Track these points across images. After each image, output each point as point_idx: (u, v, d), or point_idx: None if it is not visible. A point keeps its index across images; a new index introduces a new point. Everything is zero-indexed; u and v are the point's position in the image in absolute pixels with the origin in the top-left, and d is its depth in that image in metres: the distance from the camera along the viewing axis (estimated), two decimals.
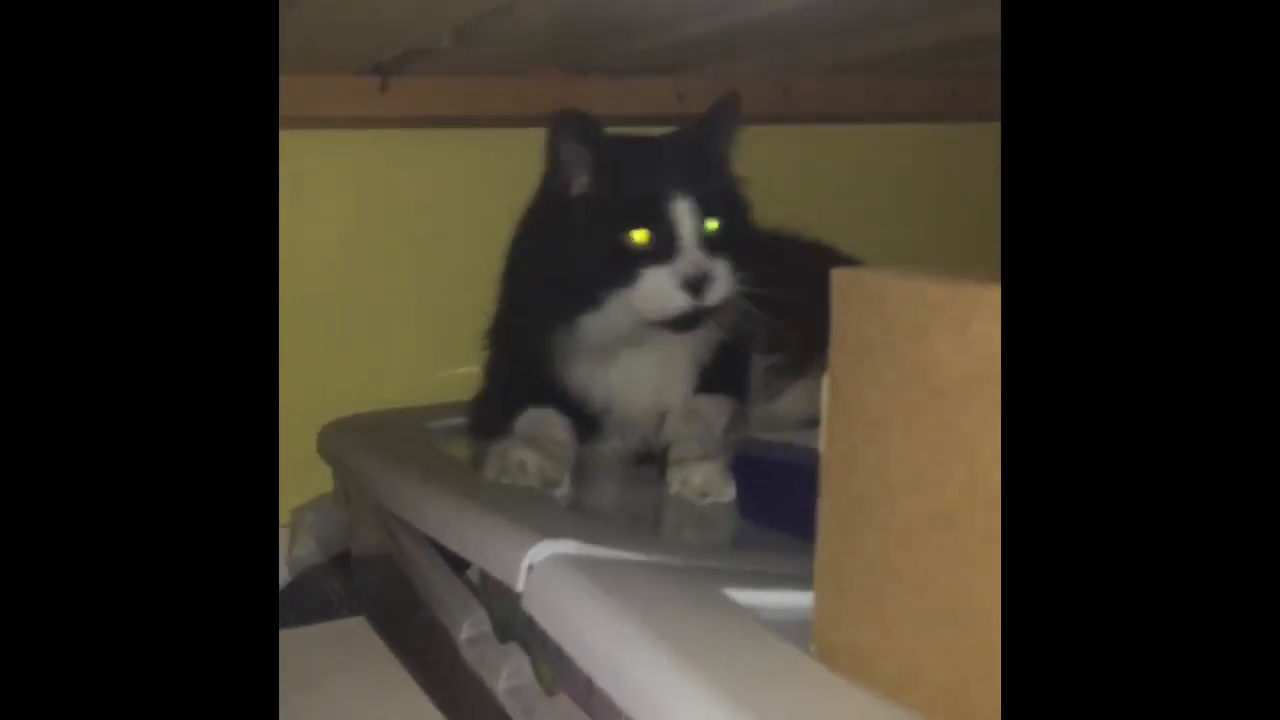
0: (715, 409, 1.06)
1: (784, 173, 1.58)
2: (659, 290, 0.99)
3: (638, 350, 1.06)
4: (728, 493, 0.96)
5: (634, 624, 0.65)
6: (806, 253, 1.27)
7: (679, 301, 0.99)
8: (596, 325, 1.02)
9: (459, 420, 1.18)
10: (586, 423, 1.07)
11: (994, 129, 1.70)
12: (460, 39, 1.10)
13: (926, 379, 0.57)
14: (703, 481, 0.97)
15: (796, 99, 1.46)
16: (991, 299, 0.53)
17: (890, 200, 1.67)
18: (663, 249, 0.99)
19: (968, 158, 1.68)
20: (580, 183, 1.03)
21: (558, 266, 1.03)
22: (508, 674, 0.77)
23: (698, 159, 1.05)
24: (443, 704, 0.78)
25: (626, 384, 1.07)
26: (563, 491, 0.98)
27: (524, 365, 1.08)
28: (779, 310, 1.05)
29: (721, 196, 1.04)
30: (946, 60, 1.38)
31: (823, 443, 0.64)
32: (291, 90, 1.20)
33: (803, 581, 0.70)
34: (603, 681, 0.65)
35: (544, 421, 1.06)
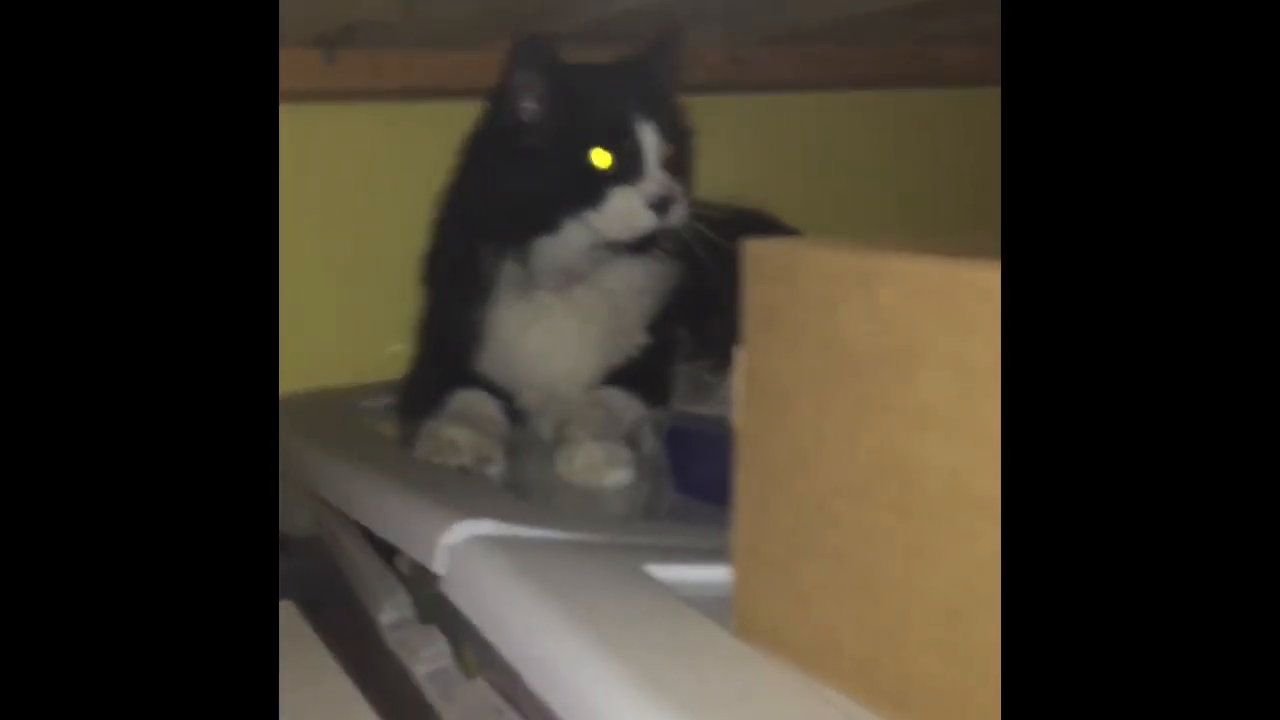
0: (623, 402, 1.05)
1: (734, 143, 1.57)
2: (627, 209, 0.99)
3: (556, 316, 1.06)
4: (612, 476, 0.94)
5: (550, 606, 0.63)
6: (748, 223, 1.26)
7: (646, 220, 0.99)
8: (551, 249, 1.01)
9: (391, 400, 1.17)
10: (510, 402, 1.07)
11: (944, 95, 1.72)
12: (408, 11, 1.08)
13: (835, 350, 0.56)
14: (585, 462, 0.95)
15: (746, 68, 1.45)
16: (898, 268, 0.52)
17: (843, 169, 1.67)
18: (626, 170, 1.00)
19: (919, 125, 1.68)
20: (531, 109, 1.01)
21: (507, 193, 1.02)
22: (428, 657, 0.75)
23: (652, 84, 1.06)
24: (366, 688, 0.76)
25: (547, 343, 1.06)
26: (496, 469, 0.97)
27: (454, 326, 1.07)
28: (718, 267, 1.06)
29: (675, 125, 1.06)
30: (895, 24, 1.37)
31: (736, 415, 0.63)
32: None
33: (726, 555, 0.69)
34: (519, 666, 0.63)
35: (475, 401, 1.05)
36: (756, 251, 0.61)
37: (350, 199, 1.37)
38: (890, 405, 0.53)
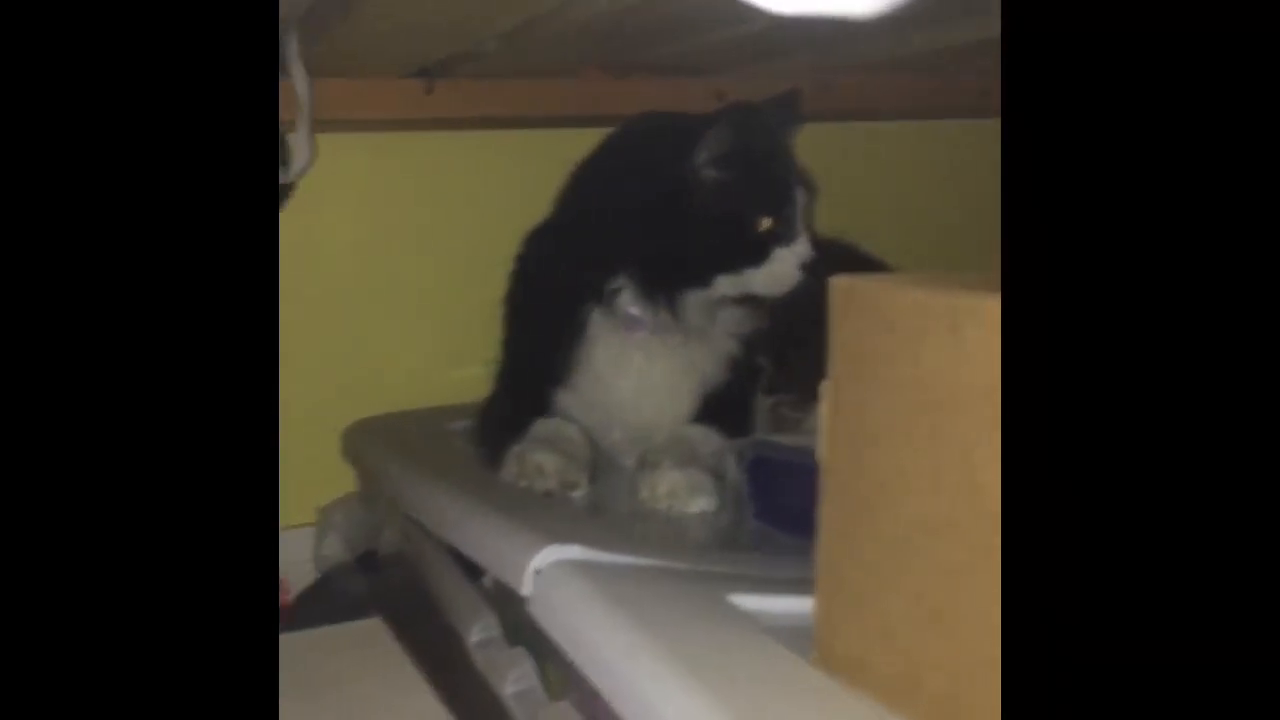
0: (702, 436, 1.06)
1: (822, 169, 1.58)
2: (784, 271, 1.03)
3: (652, 358, 1.07)
4: (695, 502, 0.95)
5: (635, 632, 0.65)
6: (832, 255, 1.27)
7: (795, 279, 1.03)
8: (695, 300, 1.04)
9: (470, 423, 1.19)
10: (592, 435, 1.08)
11: None
12: (507, 42, 1.11)
13: (923, 388, 0.56)
14: (669, 488, 0.96)
15: (835, 95, 1.46)
16: (987, 307, 0.53)
17: (925, 198, 1.66)
18: (784, 232, 1.03)
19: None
20: (713, 174, 1.03)
21: (663, 244, 1.03)
22: (514, 678, 0.77)
23: (790, 144, 1.09)
24: (453, 706, 0.78)
25: (640, 386, 1.07)
26: (581, 493, 0.99)
27: (541, 359, 1.08)
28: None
29: (808, 182, 1.09)
30: (981, 58, 1.37)
31: (822, 450, 0.64)
32: (339, 94, 1.22)
33: (808, 586, 0.70)
34: (603, 688, 0.65)
35: (560, 427, 1.06)
36: (843, 288, 0.62)
37: (452, 224, 1.41)
38: (974, 443, 0.53)
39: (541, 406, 1.08)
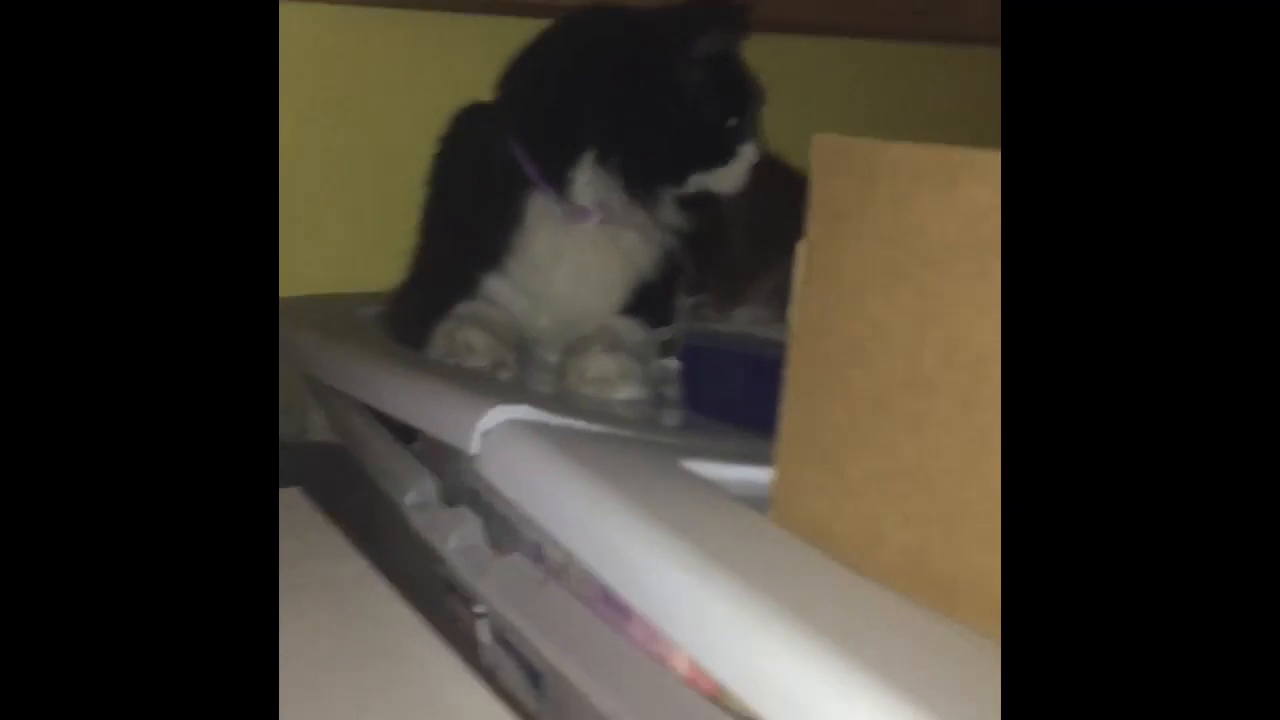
0: (629, 326, 1.06)
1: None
2: (741, 170, 1.05)
3: (591, 248, 1.05)
4: (623, 389, 0.96)
5: (595, 484, 0.65)
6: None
7: (744, 179, 1.05)
8: (668, 195, 1.04)
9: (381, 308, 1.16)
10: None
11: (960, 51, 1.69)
12: None
13: (909, 244, 0.57)
14: (597, 373, 0.96)
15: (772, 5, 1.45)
16: (982, 160, 0.53)
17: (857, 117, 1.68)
18: (744, 132, 1.04)
19: (936, 78, 1.69)
20: (699, 73, 1.02)
21: (647, 139, 1.02)
22: (457, 535, 0.76)
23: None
24: (385, 567, 0.77)
25: (578, 275, 1.06)
26: (508, 374, 0.98)
27: (473, 242, 1.06)
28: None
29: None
30: None
31: (794, 311, 0.64)
32: None
33: (755, 458, 0.71)
34: (565, 541, 0.65)
35: (488, 309, 1.05)
36: (827, 146, 0.62)
37: (362, 104, 1.36)
38: (962, 297, 0.54)
39: (467, 290, 1.06)
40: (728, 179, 1.05)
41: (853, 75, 1.68)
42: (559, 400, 0.87)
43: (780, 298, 1.18)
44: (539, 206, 1.03)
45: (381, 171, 1.35)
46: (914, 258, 0.57)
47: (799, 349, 0.64)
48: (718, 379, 0.96)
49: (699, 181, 1.04)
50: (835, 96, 1.67)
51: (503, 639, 0.70)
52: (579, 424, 0.75)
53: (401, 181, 1.14)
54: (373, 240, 1.31)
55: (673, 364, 1.02)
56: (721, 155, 1.04)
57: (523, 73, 1.06)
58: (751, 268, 1.18)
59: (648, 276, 1.09)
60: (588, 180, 1.01)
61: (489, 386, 0.83)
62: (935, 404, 0.56)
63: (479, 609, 0.73)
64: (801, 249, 0.63)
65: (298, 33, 1.32)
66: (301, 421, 1.12)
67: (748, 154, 1.05)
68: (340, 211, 1.36)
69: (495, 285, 1.05)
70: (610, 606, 0.63)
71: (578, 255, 1.05)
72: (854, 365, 0.60)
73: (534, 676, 0.67)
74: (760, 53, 1.49)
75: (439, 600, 0.77)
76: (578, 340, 1.02)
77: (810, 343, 0.63)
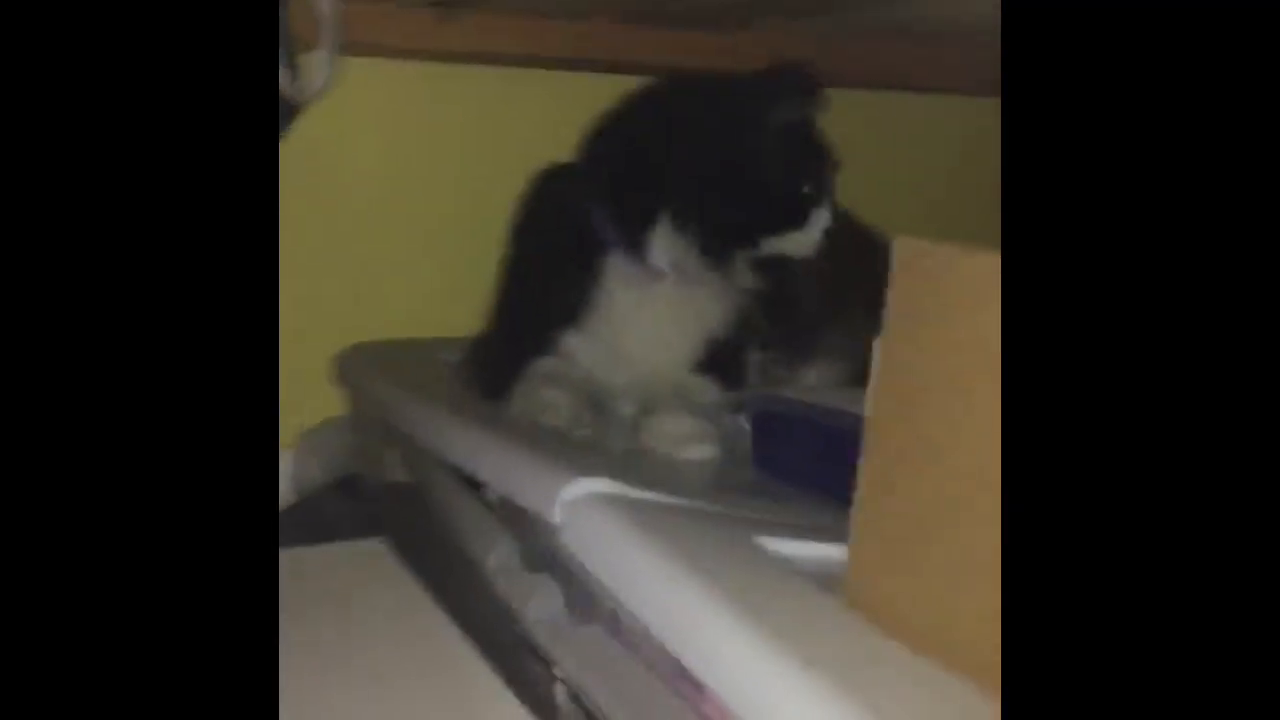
0: (702, 386, 1.09)
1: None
2: (815, 234, 1.07)
3: (666, 308, 1.08)
4: (696, 450, 0.98)
5: (672, 561, 0.67)
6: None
7: (819, 242, 1.07)
8: (743, 258, 1.06)
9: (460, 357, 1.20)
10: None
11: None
12: None
13: (981, 349, 0.59)
14: (672, 432, 0.99)
15: (844, 61, 1.48)
16: None
17: (923, 170, 1.69)
18: (818, 197, 1.07)
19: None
20: (774, 139, 1.04)
21: (724, 203, 1.04)
22: (537, 602, 0.79)
23: None
24: (466, 626, 0.80)
25: (652, 333, 1.08)
26: (585, 433, 1.01)
27: (550, 299, 1.09)
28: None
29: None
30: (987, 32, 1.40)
31: (869, 403, 0.66)
32: (351, 18, 1.21)
33: (829, 533, 0.73)
34: (641, 614, 0.67)
35: (565, 367, 1.08)
36: (907, 250, 0.64)
37: (454, 159, 1.41)
38: None
39: (545, 347, 1.09)
40: (801, 243, 1.07)
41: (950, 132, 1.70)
42: (636, 468, 0.89)
43: (847, 355, 1.21)
44: (616, 268, 1.07)
45: (465, 221, 1.39)
46: (986, 361, 0.59)
47: (873, 440, 0.66)
48: (790, 444, 0.98)
49: (772, 245, 1.06)
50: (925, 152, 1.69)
51: (580, 703, 0.73)
52: (657, 497, 0.78)
53: (483, 231, 1.18)
54: (454, 288, 1.35)
55: (744, 424, 1.05)
56: (795, 220, 1.06)
57: (604, 137, 1.09)
58: (820, 324, 1.20)
59: (720, 335, 1.12)
60: (664, 243, 1.04)
61: (570, 454, 0.86)
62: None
63: (558, 672, 0.76)
64: (878, 345, 0.66)
65: (389, 88, 1.37)
66: (379, 465, 1.16)
67: (821, 219, 1.07)
68: (424, 259, 1.41)
69: (573, 343, 1.08)
70: (685, 681, 0.66)
71: (653, 315, 1.08)
72: (927, 459, 0.62)
73: None
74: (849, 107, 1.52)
75: (516, 661, 0.80)
76: (652, 399, 1.05)
77: (885, 435, 0.66)
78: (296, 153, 1.31)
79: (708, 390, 1.09)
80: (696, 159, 1.04)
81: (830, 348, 1.20)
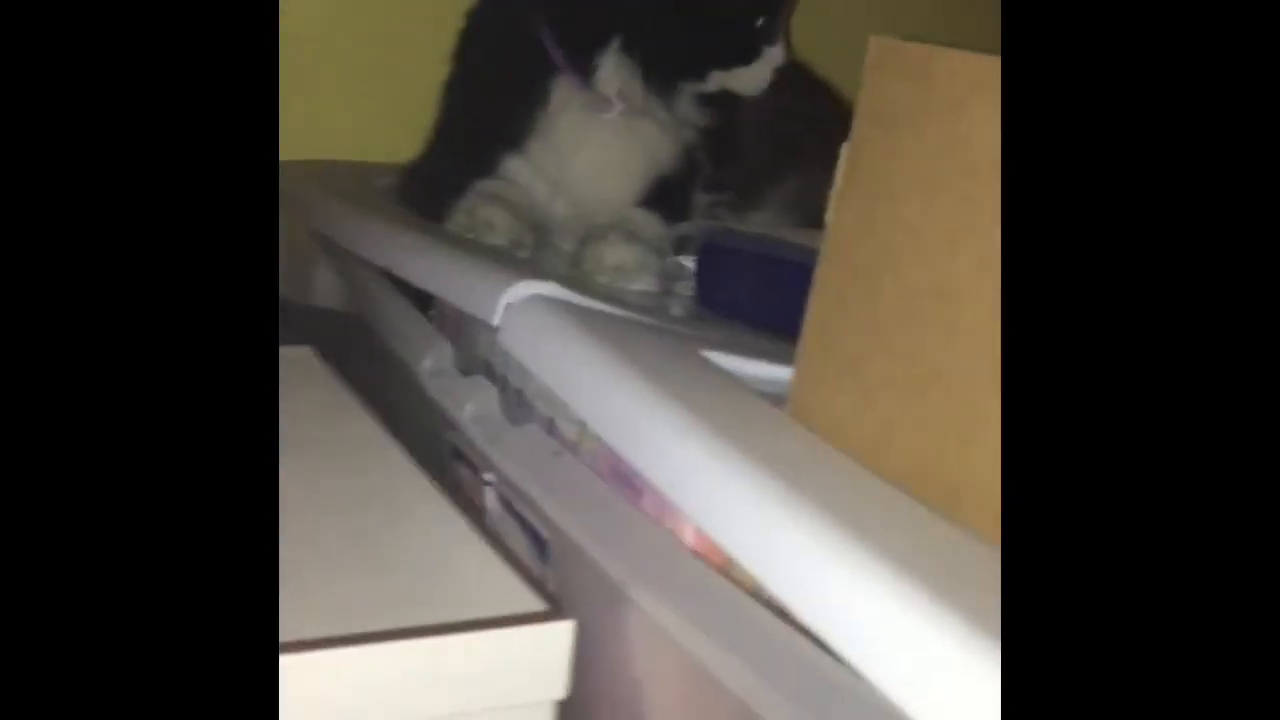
0: (645, 218, 1.05)
1: None
2: (765, 71, 1.04)
3: (612, 138, 1.05)
4: (640, 280, 0.96)
5: (617, 358, 0.66)
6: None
7: (768, 80, 1.04)
8: (688, 90, 1.04)
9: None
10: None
11: None
12: None
13: (957, 154, 0.57)
14: (616, 262, 0.96)
15: None
16: None
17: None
18: (769, 33, 1.03)
19: None
20: None
21: (672, 33, 1.02)
22: (473, 405, 0.78)
23: None
24: (396, 429, 0.78)
25: (599, 162, 1.06)
26: (525, 255, 0.98)
27: (496, 120, 1.06)
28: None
29: None
30: None
31: (831, 211, 0.65)
32: None
33: (773, 356, 0.72)
34: (582, 411, 0.66)
35: (508, 188, 1.05)
36: (882, 49, 0.62)
37: None
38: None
39: (487, 169, 1.06)
40: (750, 80, 1.05)
41: None
42: (578, 284, 0.87)
43: (798, 206, 1.19)
44: (563, 91, 1.03)
45: (409, 44, 1.34)
46: (958, 166, 0.57)
47: (833, 249, 0.65)
48: (735, 278, 0.96)
49: (721, 79, 1.04)
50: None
51: (510, 506, 0.72)
52: (603, 306, 0.76)
53: (429, 55, 1.13)
54: (396, 112, 1.31)
55: (688, 262, 1.03)
56: (745, 54, 1.03)
57: None
58: (771, 172, 1.18)
59: (666, 170, 1.09)
60: (612, 69, 1.01)
61: (513, 263, 0.83)
62: (963, 312, 0.57)
63: (487, 476, 0.74)
64: (845, 150, 0.64)
65: None
66: (308, 283, 1.13)
67: (773, 56, 1.04)
68: (367, 81, 1.36)
69: (515, 166, 1.05)
70: (622, 480, 0.65)
71: (599, 143, 1.05)
72: (886, 270, 0.61)
73: (540, 544, 0.68)
74: None
75: (447, 466, 0.79)
76: (595, 228, 1.02)
77: (845, 244, 0.64)
78: None
79: (651, 224, 1.06)
80: None
81: (779, 195, 1.18)
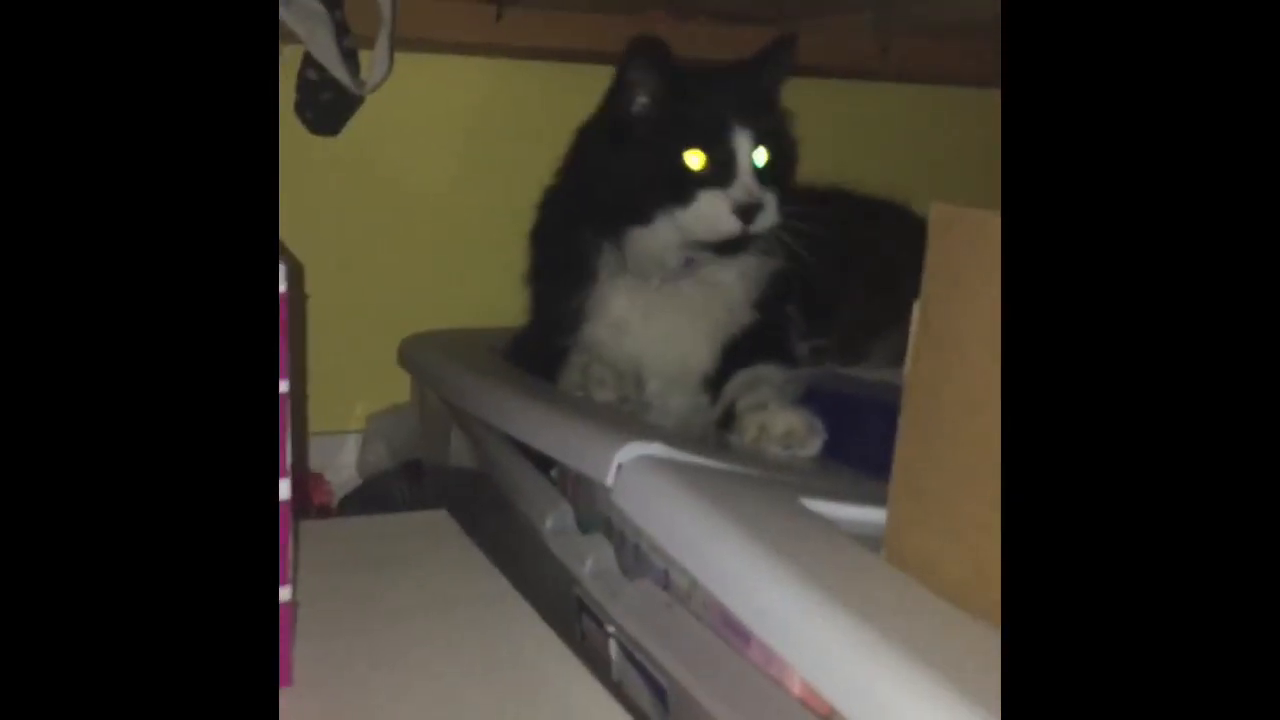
0: (778, 374, 1.06)
1: (875, 130, 1.62)
2: (713, 213, 1.02)
3: (672, 299, 1.08)
4: (812, 445, 0.94)
5: (719, 518, 0.70)
6: (873, 211, 1.30)
7: (730, 225, 1.02)
8: (643, 240, 1.04)
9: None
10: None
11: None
12: None
13: None
14: (785, 430, 0.95)
15: (893, 57, 1.50)
16: None
17: (978, 163, 1.71)
18: (718, 174, 1.02)
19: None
20: (641, 104, 1.05)
21: (609, 181, 1.06)
22: (592, 561, 0.83)
23: (755, 92, 1.09)
24: (524, 587, 0.83)
25: (655, 332, 1.09)
26: (632, 409, 1.03)
27: (556, 305, 1.11)
28: (825, 258, 1.08)
29: (774, 132, 1.08)
30: None
31: (909, 362, 0.69)
32: (410, 14, 1.26)
33: (873, 499, 0.76)
34: (689, 566, 0.70)
35: (601, 350, 1.09)
36: (944, 215, 0.67)
37: (511, 151, 1.44)
38: None
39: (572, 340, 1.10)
40: (697, 222, 1.02)
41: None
42: (687, 439, 0.92)
43: (903, 358, 1.20)
44: (609, 271, 1.08)
45: (525, 214, 1.43)
46: None
47: (912, 399, 0.69)
48: (850, 427, 0.95)
49: (671, 225, 1.03)
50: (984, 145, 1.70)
51: (631, 657, 0.76)
52: (705, 461, 0.81)
53: None
54: (512, 279, 1.39)
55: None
56: (678, 196, 1.02)
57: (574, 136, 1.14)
58: (876, 323, 1.17)
59: (744, 326, 1.10)
60: (622, 249, 1.06)
61: (622, 422, 0.89)
62: None
63: (610, 629, 0.79)
64: (916, 308, 0.68)
65: (449, 83, 1.42)
66: (444, 445, 1.20)
67: (714, 197, 1.01)
68: (484, 251, 1.45)
69: (598, 333, 1.09)
70: (731, 630, 0.69)
71: (653, 314, 1.09)
72: (964, 414, 0.65)
73: (659, 692, 0.73)
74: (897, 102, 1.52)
75: (573, 619, 0.84)
76: (733, 389, 1.04)
77: (923, 395, 0.68)
78: (357, 146, 1.37)
79: (777, 373, 1.06)
80: (588, 154, 1.08)
81: (885, 346, 1.16)
